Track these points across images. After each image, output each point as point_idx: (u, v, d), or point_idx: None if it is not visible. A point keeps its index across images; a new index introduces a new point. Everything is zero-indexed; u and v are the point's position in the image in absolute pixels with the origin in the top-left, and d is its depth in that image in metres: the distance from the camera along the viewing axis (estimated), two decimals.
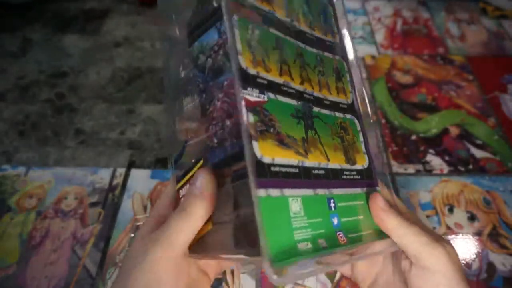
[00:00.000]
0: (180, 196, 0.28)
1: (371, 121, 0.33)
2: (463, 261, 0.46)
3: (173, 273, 0.25)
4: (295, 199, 0.25)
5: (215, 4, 0.27)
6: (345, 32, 0.35)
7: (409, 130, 0.62)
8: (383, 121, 0.63)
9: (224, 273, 0.45)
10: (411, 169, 0.57)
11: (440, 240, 0.28)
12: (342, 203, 0.28)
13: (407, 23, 0.83)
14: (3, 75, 0.74)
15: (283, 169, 0.24)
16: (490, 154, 0.59)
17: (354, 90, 0.34)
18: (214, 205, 0.26)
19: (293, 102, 0.27)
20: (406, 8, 0.87)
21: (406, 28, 0.82)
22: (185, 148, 0.28)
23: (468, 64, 0.73)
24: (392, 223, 0.28)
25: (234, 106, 0.26)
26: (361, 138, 0.33)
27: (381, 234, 0.29)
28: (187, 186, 0.27)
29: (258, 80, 0.25)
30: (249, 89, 0.25)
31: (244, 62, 0.25)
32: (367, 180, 0.31)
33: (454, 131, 0.62)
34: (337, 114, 0.31)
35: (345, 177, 0.29)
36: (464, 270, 0.34)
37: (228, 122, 0.26)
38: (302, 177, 0.26)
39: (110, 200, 0.54)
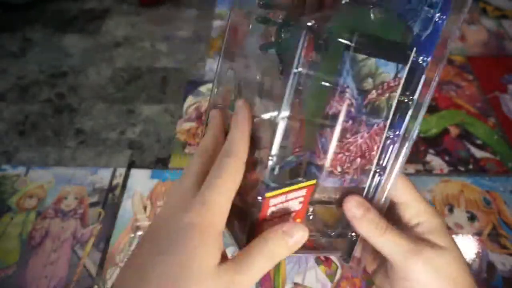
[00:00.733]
0: (270, 205, 0.26)
1: None
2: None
3: (212, 250, 0.23)
4: None
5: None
6: None
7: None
8: None
9: None
10: (411, 169, 0.57)
11: (427, 247, 0.26)
12: None
13: None
14: (3, 75, 0.74)
15: None
16: (490, 154, 0.59)
17: None
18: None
19: None
20: None
21: None
22: (299, 159, 0.26)
23: (468, 64, 0.73)
24: (365, 232, 0.27)
25: (371, 150, 0.27)
26: None
27: None
28: (281, 200, 0.26)
29: None
30: None
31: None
32: None
33: (454, 131, 0.62)
34: None
35: None
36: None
37: (358, 161, 0.27)
38: None
39: (110, 200, 0.54)
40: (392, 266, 0.27)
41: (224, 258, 0.24)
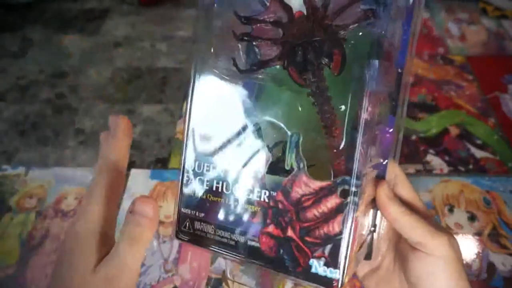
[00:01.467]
0: (359, 225, 0.26)
1: None
2: (463, 261, 0.46)
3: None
4: None
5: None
6: None
7: (409, 130, 0.62)
8: None
9: (223, 272, 0.45)
10: (411, 169, 0.57)
11: (444, 230, 0.28)
12: None
13: None
14: (3, 75, 0.74)
15: None
16: (490, 154, 0.59)
17: None
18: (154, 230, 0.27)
19: None
20: None
21: None
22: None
23: (468, 64, 0.73)
24: (396, 213, 0.28)
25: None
26: None
27: None
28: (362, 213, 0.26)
29: None
30: None
31: None
32: None
33: (454, 131, 0.62)
34: None
35: None
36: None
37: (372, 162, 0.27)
38: None
39: None
40: (416, 244, 0.28)
41: None
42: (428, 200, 0.53)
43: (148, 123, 0.64)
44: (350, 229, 0.24)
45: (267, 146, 0.26)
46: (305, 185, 0.25)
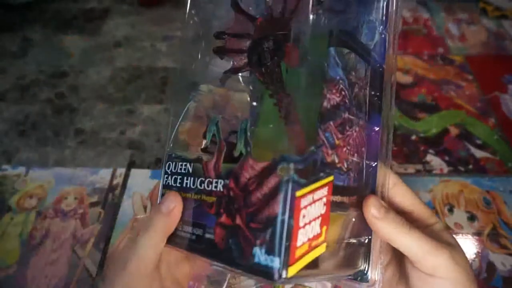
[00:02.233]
0: (302, 207, 0.23)
1: None
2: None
3: (146, 285, 0.28)
4: None
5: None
6: None
7: (409, 130, 0.62)
8: None
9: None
10: (411, 169, 0.57)
11: (445, 244, 0.26)
12: None
13: (407, 23, 0.83)
14: (3, 75, 0.74)
15: None
16: (490, 154, 0.59)
17: None
18: (176, 223, 0.28)
19: None
20: (406, 8, 0.87)
21: (406, 28, 0.82)
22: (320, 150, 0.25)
23: (468, 64, 0.73)
24: (388, 233, 0.26)
25: (362, 145, 0.27)
26: None
27: None
28: (309, 201, 0.23)
29: None
30: None
31: None
32: None
33: (454, 131, 0.62)
34: None
35: None
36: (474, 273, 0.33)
37: (354, 157, 0.27)
38: None
39: (110, 200, 0.54)
40: (416, 264, 0.27)
41: None
42: (428, 200, 0.53)
43: (148, 123, 0.64)
44: (289, 208, 0.21)
45: (222, 137, 0.27)
46: (251, 168, 0.24)
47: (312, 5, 0.24)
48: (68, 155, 0.60)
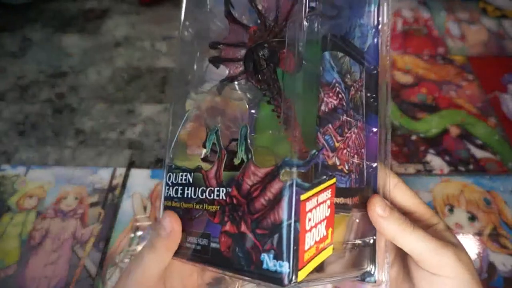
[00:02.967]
0: (307, 210, 0.23)
1: None
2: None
3: None
4: None
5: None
6: None
7: (409, 130, 0.62)
8: None
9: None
10: (411, 169, 0.57)
11: (449, 243, 0.27)
12: None
13: (407, 23, 0.83)
14: (3, 75, 0.74)
15: None
16: (490, 154, 0.59)
17: None
18: (178, 242, 0.28)
19: None
20: (406, 8, 0.87)
21: (406, 28, 0.82)
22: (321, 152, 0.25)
23: (469, 64, 0.73)
24: (393, 232, 0.26)
25: (362, 147, 0.27)
26: None
27: None
28: (313, 205, 0.23)
29: None
30: None
31: None
32: None
33: (454, 131, 0.62)
34: None
35: None
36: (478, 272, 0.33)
37: (355, 159, 0.27)
38: None
39: (110, 200, 0.54)
40: (420, 263, 0.27)
41: None
42: (428, 200, 0.53)
43: (148, 123, 0.64)
44: (295, 212, 0.21)
45: (223, 145, 0.27)
46: (253, 175, 0.24)
47: (305, 12, 0.24)
48: (68, 155, 0.60)
